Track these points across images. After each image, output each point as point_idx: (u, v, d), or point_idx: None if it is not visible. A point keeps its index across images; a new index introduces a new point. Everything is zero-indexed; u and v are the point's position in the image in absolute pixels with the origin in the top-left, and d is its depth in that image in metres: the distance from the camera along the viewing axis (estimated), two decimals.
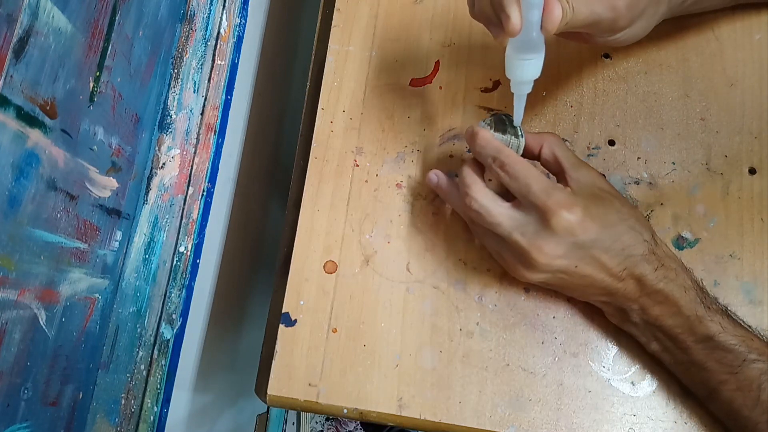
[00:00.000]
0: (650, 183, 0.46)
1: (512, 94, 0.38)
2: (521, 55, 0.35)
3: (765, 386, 0.36)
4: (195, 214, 0.43)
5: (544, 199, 0.36)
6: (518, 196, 0.38)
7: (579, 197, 0.37)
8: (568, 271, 0.38)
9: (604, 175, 0.46)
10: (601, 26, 0.37)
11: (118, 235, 0.39)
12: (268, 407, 0.87)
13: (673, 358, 0.40)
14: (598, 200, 0.38)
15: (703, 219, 0.45)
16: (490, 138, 0.39)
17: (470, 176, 0.39)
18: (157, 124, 0.43)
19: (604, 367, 0.42)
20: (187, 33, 0.45)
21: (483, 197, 0.38)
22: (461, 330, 0.43)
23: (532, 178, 0.37)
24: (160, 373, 0.41)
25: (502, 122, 0.40)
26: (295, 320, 0.44)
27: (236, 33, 0.48)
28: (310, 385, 0.42)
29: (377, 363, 0.43)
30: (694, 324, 0.37)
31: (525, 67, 0.36)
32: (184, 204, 0.43)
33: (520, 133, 0.40)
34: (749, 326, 0.39)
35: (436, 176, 0.43)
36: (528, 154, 0.41)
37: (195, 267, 0.44)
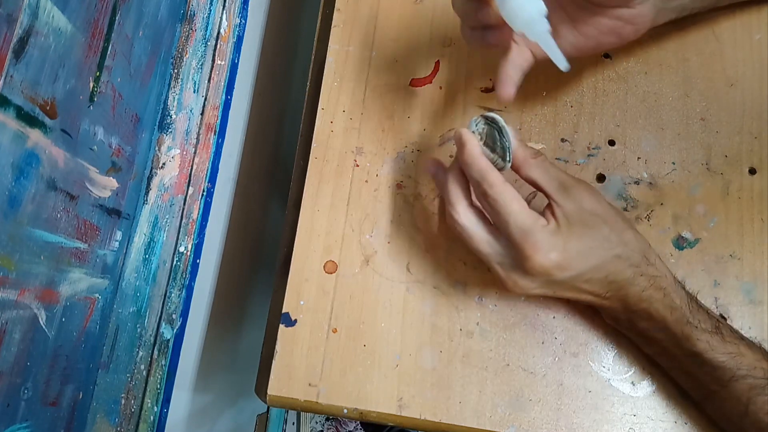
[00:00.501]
0: (650, 183, 0.46)
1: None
2: None
3: (754, 400, 0.36)
4: (195, 214, 0.43)
5: (521, 241, 0.35)
6: (497, 227, 0.36)
7: (560, 235, 0.35)
8: (548, 295, 0.38)
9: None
10: None
11: (118, 235, 0.39)
12: (268, 407, 0.87)
13: (665, 363, 0.40)
14: (585, 230, 0.36)
15: (703, 219, 0.45)
16: (476, 155, 0.36)
17: (455, 192, 0.38)
18: (157, 124, 0.43)
19: (604, 367, 0.42)
20: (187, 33, 0.45)
21: (466, 220, 0.37)
22: (461, 330, 0.43)
23: (513, 214, 0.35)
24: (160, 373, 0.41)
25: (493, 136, 0.37)
26: (295, 320, 0.44)
27: (236, 33, 0.48)
28: (310, 385, 0.42)
29: (377, 363, 0.43)
30: (681, 341, 0.37)
31: (522, 3, 0.33)
32: (184, 204, 0.43)
33: (507, 158, 0.37)
34: (742, 337, 0.38)
35: (435, 167, 0.41)
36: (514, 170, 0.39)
37: (195, 267, 0.44)
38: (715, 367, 0.37)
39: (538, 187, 0.38)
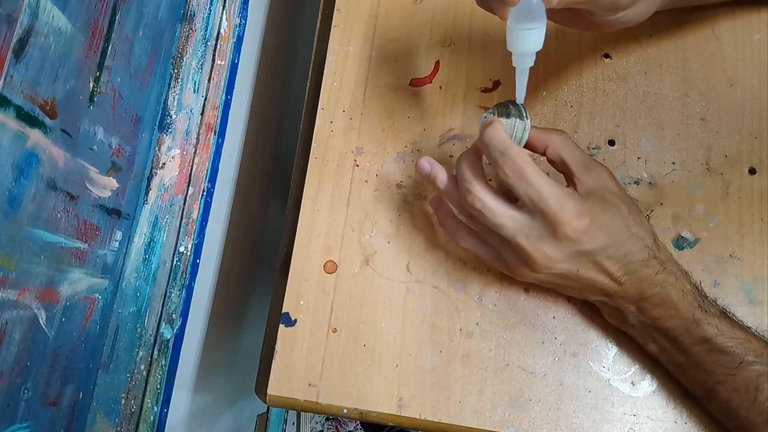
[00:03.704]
0: (650, 183, 0.46)
1: (514, 74, 0.38)
2: (522, 26, 0.35)
3: (762, 387, 0.36)
4: (195, 214, 0.43)
5: (556, 208, 0.35)
6: (525, 200, 0.36)
7: (587, 204, 0.37)
8: (569, 274, 0.38)
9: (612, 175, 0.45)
10: (603, 3, 0.36)
11: (118, 235, 0.39)
12: (268, 407, 0.87)
13: (671, 358, 0.40)
14: (607, 206, 0.37)
15: (703, 219, 0.45)
16: (499, 130, 0.37)
17: (470, 172, 0.38)
18: (157, 124, 0.43)
19: (604, 367, 0.42)
20: (187, 33, 0.45)
21: (486, 196, 0.37)
22: (461, 330, 0.43)
23: (544, 184, 0.36)
24: (160, 373, 0.41)
25: (506, 107, 0.39)
26: (295, 320, 0.44)
27: (236, 33, 0.48)
28: (310, 385, 0.42)
29: (377, 363, 0.43)
30: (692, 327, 0.37)
31: (526, 38, 0.35)
32: (184, 204, 0.43)
33: (525, 114, 0.39)
34: (748, 327, 0.39)
35: (429, 165, 0.40)
36: (533, 151, 0.40)
37: (195, 267, 0.44)
38: (725, 352, 0.37)
39: (563, 164, 0.39)
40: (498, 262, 0.40)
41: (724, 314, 0.39)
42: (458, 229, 0.41)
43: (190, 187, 0.43)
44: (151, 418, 0.40)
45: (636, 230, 0.38)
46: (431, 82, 0.49)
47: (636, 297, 0.38)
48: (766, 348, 0.37)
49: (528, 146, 0.40)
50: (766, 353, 0.37)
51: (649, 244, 0.38)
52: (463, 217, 0.42)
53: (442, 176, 0.40)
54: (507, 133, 0.38)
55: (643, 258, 0.37)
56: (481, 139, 0.38)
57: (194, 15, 0.45)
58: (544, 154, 0.40)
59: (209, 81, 0.45)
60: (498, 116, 0.39)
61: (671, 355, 0.40)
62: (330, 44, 0.50)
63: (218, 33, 0.46)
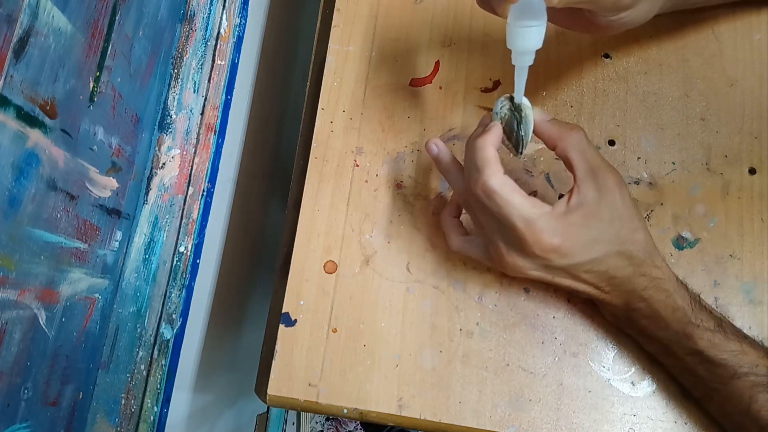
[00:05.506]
0: (650, 183, 0.46)
1: (513, 70, 0.37)
2: (522, 23, 0.35)
3: (756, 398, 0.36)
4: (195, 214, 0.43)
5: (523, 229, 0.35)
6: (499, 218, 0.36)
7: (565, 221, 0.35)
8: (545, 280, 0.38)
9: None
10: (604, 3, 0.36)
11: (118, 235, 0.39)
12: (268, 407, 0.87)
13: (666, 361, 0.40)
14: (593, 222, 0.36)
15: (703, 219, 0.45)
16: (489, 143, 0.36)
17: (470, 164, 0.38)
18: (157, 124, 0.43)
19: (604, 367, 0.42)
20: (187, 33, 0.45)
21: (462, 205, 0.39)
22: (461, 330, 0.43)
23: (515, 205, 0.35)
24: (160, 373, 0.41)
25: (511, 125, 0.38)
26: (295, 320, 0.44)
27: (236, 33, 0.48)
28: (310, 385, 0.42)
29: (377, 363, 0.43)
30: (682, 339, 0.37)
31: (526, 36, 0.35)
32: (184, 204, 0.43)
33: (520, 151, 0.38)
34: (745, 337, 0.38)
35: (437, 147, 0.41)
36: (545, 143, 0.39)
37: (195, 267, 0.44)
38: (717, 364, 0.37)
39: (570, 166, 0.37)
40: (486, 258, 0.40)
41: (720, 326, 0.38)
42: (451, 230, 0.42)
43: (190, 187, 0.43)
44: (151, 418, 0.40)
45: (625, 248, 0.36)
46: (431, 82, 0.49)
47: (623, 307, 0.39)
48: (762, 359, 0.37)
49: (539, 135, 0.39)
50: (762, 364, 0.37)
51: (638, 262, 0.37)
52: (462, 205, 0.42)
53: (447, 160, 0.41)
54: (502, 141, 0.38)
55: (628, 274, 0.37)
56: (469, 145, 0.37)
57: (194, 15, 0.45)
58: (554, 149, 0.39)
59: (209, 81, 0.45)
60: (504, 124, 0.38)
61: (665, 359, 0.40)
62: (330, 44, 0.50)
63: (218, 33, 0.46)
